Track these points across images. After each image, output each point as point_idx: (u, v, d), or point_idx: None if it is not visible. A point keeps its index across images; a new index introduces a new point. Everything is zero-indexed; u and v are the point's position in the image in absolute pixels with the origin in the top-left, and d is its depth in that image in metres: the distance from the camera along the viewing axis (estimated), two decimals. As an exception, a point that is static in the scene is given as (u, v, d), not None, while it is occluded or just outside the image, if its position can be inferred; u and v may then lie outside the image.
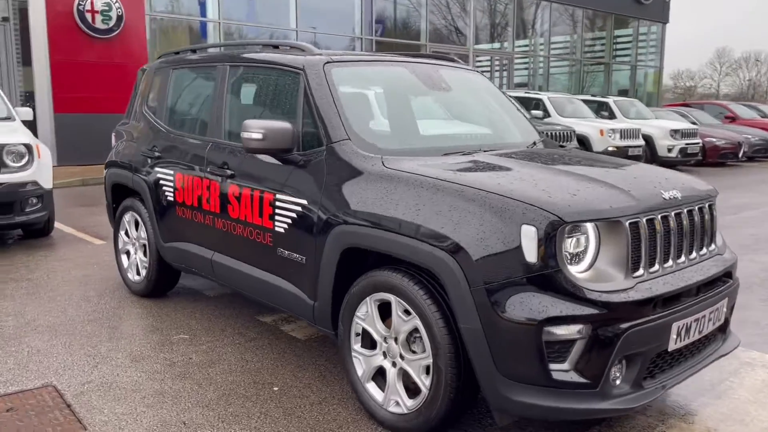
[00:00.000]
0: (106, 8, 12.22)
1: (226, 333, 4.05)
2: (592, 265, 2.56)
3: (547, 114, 13.27)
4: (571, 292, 2.44)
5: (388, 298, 2.82)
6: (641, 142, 13.37)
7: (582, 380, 2.48)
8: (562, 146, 4.09)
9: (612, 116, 14.53)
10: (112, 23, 12.34)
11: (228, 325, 4.19)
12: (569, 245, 2.50)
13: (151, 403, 3.16)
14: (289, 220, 3.27)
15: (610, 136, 12.62)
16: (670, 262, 2.77)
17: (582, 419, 2.92)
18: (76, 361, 3.64)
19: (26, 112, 7.12)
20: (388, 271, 2.83)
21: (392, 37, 18.35)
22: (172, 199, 4.19)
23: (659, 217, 2.71)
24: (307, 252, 3.18)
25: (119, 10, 12.39)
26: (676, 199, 2.84)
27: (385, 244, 2.81)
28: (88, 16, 12.07)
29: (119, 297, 4.77)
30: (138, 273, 4.75)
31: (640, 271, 2.62)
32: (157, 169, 4.35)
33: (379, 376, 2.97)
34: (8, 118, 6.80)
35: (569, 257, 2.51)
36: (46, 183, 6.32)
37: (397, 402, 2.86)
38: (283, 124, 3.21)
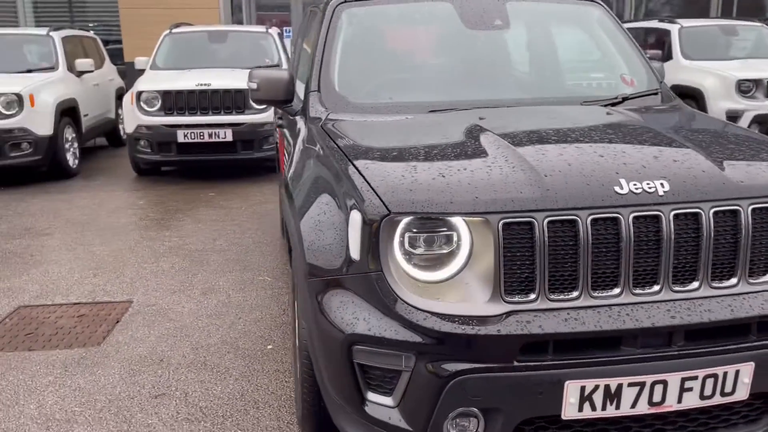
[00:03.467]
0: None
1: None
2: (456, 275, 1.83)
3: (667, 57, 8.70)
4: (390, 307, 1.82)
5: None
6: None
7: (403, 426, 1.86)
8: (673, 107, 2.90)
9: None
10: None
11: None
12: (407, 242, 1.83)
13: (177, 336, 3.45)
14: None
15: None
16: (617, 290, 1.81)
17: None
18: (170, 284, 4.14)
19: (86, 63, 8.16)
20: None
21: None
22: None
23: (588, 219, 1.78)
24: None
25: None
26: (647, 195, 1.81)
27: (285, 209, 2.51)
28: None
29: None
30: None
31: (530, 295, 1.79)
32: None
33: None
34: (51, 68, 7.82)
35: (420, 258, 1.84)
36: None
37: None
38: (279, 74, 3.00)
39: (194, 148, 6.96)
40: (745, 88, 7.85)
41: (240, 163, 7.28)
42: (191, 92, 6.85)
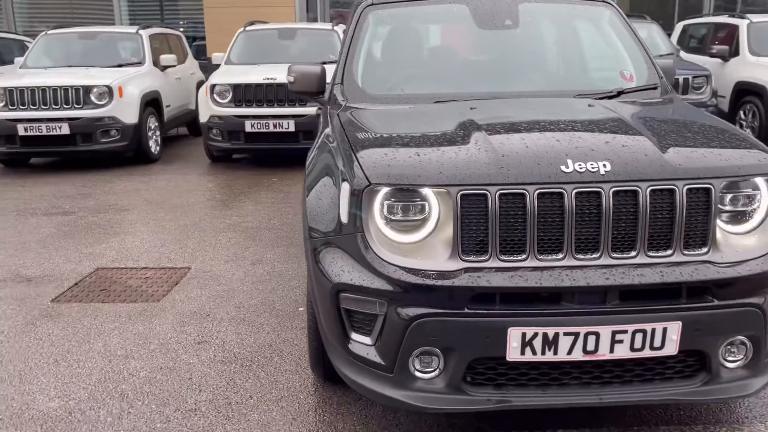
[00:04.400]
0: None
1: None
2: (430, 236, 2.19)
3: (733, 53, 8.42)
4: (368, 261, 2.20)
5: None
6: None
7: (378, 360, 2.25)
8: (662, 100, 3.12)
9: None
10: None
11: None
12: (386, 209, 2.20)
13: (224, 297, 3.97)
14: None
15: None
16: (561, 255, 2.12)
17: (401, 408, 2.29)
18: (225, 255, 4.68)
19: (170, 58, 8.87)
20: None
21: None
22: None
23: (535, 193, 2.10)
24: None
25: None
26: (590, 173, 2.11)
27: None
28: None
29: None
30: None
31: (483, 255, 2.12)
32: None
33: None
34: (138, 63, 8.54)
35: (398, 223, 2.21)
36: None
37: None
38: (312, 68, 3.43)
39: (260, 137, 7.53)
40: None
41: (301, 152, 7.77)
42: (258, 86, 7.42)
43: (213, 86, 7.57)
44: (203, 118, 7.76)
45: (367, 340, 2.28)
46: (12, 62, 9.41)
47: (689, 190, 2.14)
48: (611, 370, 2.19)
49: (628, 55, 3.35)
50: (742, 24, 8.94)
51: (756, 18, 9.03)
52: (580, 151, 2.19)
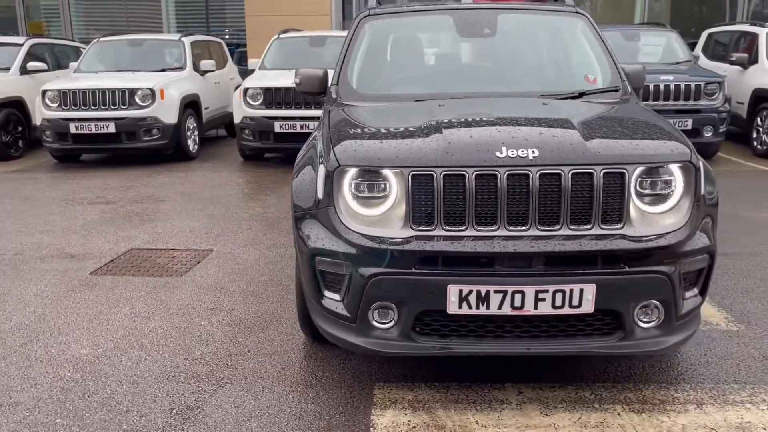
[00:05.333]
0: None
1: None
2: (390, 209, 2.61)
3: (752, 61, 8.59)
4: (336, 230, 2.65)
5: None
6: None
7: (344, 313, 2.68)
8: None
9: None
10: (528, -24, 13.30)
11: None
12: (354, 187, 2.64)
13: (239, 274, 4.48)
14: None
15: None
16: (495, 227, 2.53)
17: (362, 353, 2.85)
18: (244, 240, 5.19)
19: (209, 64, 9.48)
20: None
21: None
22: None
23: (473, 174, 2.51)
24: None
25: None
26: (521, 159, 2.51)
27: None
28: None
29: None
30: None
31: (430, 226, 2.55)
32: None
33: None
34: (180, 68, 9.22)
35: (364, 198, 2.65)
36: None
37: None
38: (316, 71, 3.89)
39: (288, 137, 8.06)
40: None
41: (327, 151, 8.30)
42: (288, 89, 7.95)
43: (246, 89, 8.15)
44: (237, 119, 8.35)
45: (337, 296, 2.72)
46: (68, 67, 10.21)
47: (606, 173, 2.52)
48: (539, 325, 2.58)
49: (596, 61, 3.72)
50: (762, 32, 9.08)
51: (779, 26, 9.15)
52: (515, 140, 2.59)
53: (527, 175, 2.51)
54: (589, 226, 2.53)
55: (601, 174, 2.51)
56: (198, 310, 3.82)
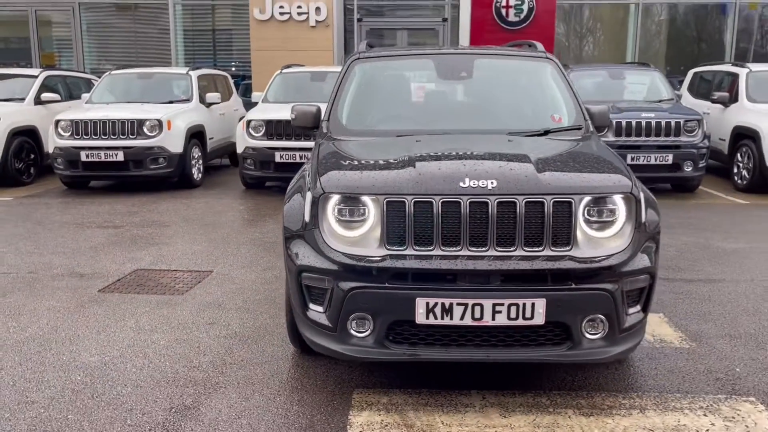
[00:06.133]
0: (519, 2, 13.75)
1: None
2: (368, 232, 2.98)
3: (733, 99, 9.21)
4: (320, 249, 3.01)
5: None
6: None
7: (326, 323, 3.03)
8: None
9: None
10: (522, 15, 13.81)
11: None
12: (336, 212, 3.01)
13: (236, 293, 4.82)
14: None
15: None
16: (459, 247, 2.89)
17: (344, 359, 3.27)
18: (242, 262, 5.54)
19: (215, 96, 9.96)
20: None
21: None
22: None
23: (439, 201, 2.87)
24: None
25: (531, 2, 13.75)
26: (481, 189, 2.88)
27: None
28: (503, 11, 13.83)
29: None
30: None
31: (402, 246, 2.90)
32: None
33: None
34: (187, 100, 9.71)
35: (345, 222, 3.01)
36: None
37: None
38: (309, 108, 4.29)
39: (288, 167, 8.44)
40: None
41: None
42: (288, 122, 8.34)
43: (249, 121, 8.59)
44: (239, 149, 8.77)
45: (320, 308, 3.07)
46: (80, 97, 10.70)
47: (555, 202, 2.88)
48: (497, 335, 2.92)
49: (562, 102, 4.11)
50: (742, 72, 9.53)
51: (755, 67, 9.61)
52: (477, 172, 2.96)
53: (486, 203, 2.87)
54: (540, 248, 2.89)
55: (551, 203, 2.88)
56: (197, 325, 4.16)
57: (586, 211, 2.94)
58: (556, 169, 3.06)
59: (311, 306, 3.10)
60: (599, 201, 2.96)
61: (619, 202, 2.97)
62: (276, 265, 5.45)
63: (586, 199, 2.93)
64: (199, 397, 3.23)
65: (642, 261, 2.99)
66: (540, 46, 4.47)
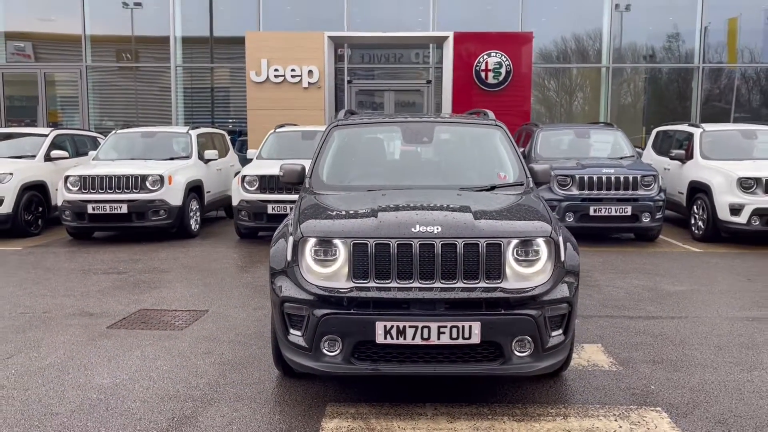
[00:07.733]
0: (497, 66, 14.78)
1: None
2: (338, 268, 3.66)
3: (689, 156, 10.20)
4: (299, 283, 3.68)
5: None
6: None
7: (304, 345, 3.67)
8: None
9: None
10: (501, 78, 14.82)
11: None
12: (313, 252, 3.69)
13: (229, 328, 5.45)
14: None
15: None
16: (412, 280, 3.56)
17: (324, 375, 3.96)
18: (236, 303, 6.18)
19: (212, 153, 10.77)
20: None
21: None
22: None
23: (395, 243, 3.57)
24: None
25: (508, 66, 14.78)
26: (428, 233, 3.58)
27: None
28: (483, 74, 14.84)
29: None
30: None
31: (365, 280, 3.58)
32: None
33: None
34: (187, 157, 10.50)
35: (320, 260, 3.69)
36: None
37: None
38: (295, 166, 5.01)
39: (280, 218, 9.08)
40: (747, 185, 8.96)
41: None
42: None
43: (244, 176, 9.35)
44: (235, 201, 9.50)
45: (299, 332, 3.71)
46: (86, 154, 11.48)
47: (488, 244, 3.58)
48: (442, 352, 3.56)
49: (507, 162, 4.86)
50: (696, 132, 10.40)
51: (709, 127, 10.50)
52: (425, 220, 3.67)
53: (433, 245, 3.57)
54: (477, 281, 3.57)
55: (485, 245, 3.57)
56: (195, 354, 4.78)
57: (515, 251, 3.63)
58: (490, 217, 3.77)
59: (291, 331, 3.75)
60: (525, 243, 3.66)
61: (541, 244, 3.67)
62: (266, 306, 6.09)
63: (515, 241, 3.63)
64: (197, 409, 3.84)
65: (561, 292, 3.67)
66: (491, 114, 5.25)
